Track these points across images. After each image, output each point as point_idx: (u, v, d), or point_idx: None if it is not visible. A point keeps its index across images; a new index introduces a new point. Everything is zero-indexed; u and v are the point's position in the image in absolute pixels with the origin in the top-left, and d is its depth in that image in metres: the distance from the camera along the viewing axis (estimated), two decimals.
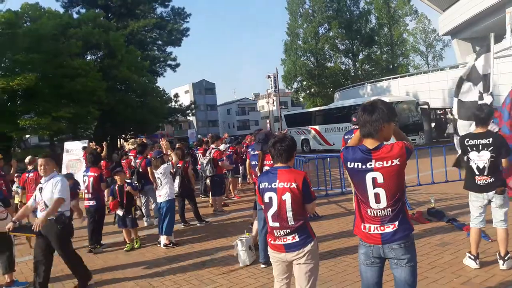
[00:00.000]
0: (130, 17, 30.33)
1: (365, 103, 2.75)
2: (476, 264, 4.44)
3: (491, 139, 4.26)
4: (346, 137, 7.42)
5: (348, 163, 2.71)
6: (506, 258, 4.33)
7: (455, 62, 33.16)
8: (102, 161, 9.66)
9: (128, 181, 7.16)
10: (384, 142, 2.65)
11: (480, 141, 4.28)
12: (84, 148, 11.08)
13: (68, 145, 13.20)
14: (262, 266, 5.10)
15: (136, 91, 25.13)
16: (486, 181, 4.31)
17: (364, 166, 2.63)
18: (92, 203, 6.75)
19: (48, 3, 59.89)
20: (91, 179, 6.80)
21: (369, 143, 2.65)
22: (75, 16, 26.21)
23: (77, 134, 21.70)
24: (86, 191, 6.86)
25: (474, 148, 4.30)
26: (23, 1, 20.48)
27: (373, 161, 2.59)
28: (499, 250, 4.43)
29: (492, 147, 4.22)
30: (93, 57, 24.22)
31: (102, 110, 20.42)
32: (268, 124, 45.57)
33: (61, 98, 19.11)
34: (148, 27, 31.62)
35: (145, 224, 8.15)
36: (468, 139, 4.38)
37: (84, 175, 7.02)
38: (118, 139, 28.27)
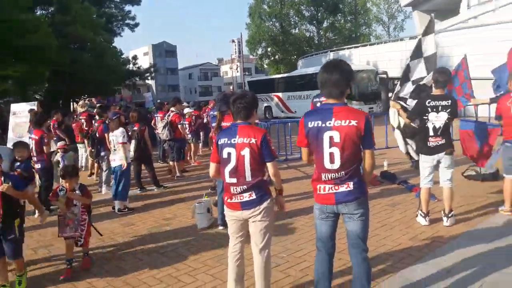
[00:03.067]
0: None
1: (327, 62, 2.84)
2: (426, 221, 4.74)
3: (450, 102, 4.51)
4: (315, 100, 7.41)
5: (309, 123, 2.77)
6: (450, 215, 4.66)
7: (415, 33, 33.84)
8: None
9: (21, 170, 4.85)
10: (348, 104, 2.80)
11: (440, 103, 4.50)
12: (31, 110, 10.48)
13: (14, 107, 12.46)
14: (221, 228, 5.11)
15: (91, 51, 23.85)
16: (438, 142, 4.54)
17: (324, 125, 2.69)
18: (38, 165, 6.47)
19: None
20: (33, 142, 6.50)
21: (332, 101, 2.77)
22: None
23: (26, 96, 20.44)
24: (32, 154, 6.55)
25: (434, 109, 4.50)
26: None
27: (333, 119, 2.67)
28: (444, 208, 4.73)
29: (449, 109, 4.47)
30: (43, 12, 22.59)
31: (54, 70, 19.28)
32: (231, 91, 45.15)
33: (6, 56, 17.77)
34: None
35: (103, 192, 7.86)
36: (429, 100, 4.56)
37: (29, 137, 6.72)
38: (72, 103, 27.01)
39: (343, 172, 2.69)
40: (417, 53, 6.01)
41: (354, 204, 2.72)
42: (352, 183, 2.71)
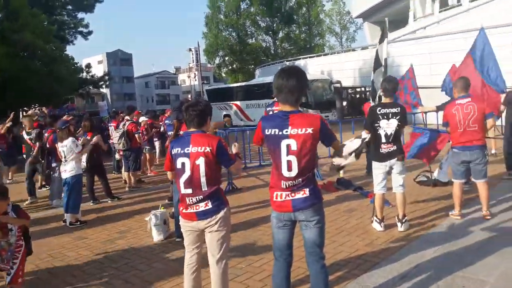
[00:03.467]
0: None
1: (283, 68, 2.81)
2: (381, 227, 4.84)
3: (399, 109, 4.67)
4: (268, 109, 7.46)
5: (266, 130, 2.74)
6: (403, 220, 4.79)
7: (366, 44, 35.21)
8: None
9: None
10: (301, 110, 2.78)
11: (390, 110, 4.65)
12: None
13: None
14: (178, 240, 4.95)
15: (41, 59, 22.79)
16: (390, 149, 4.67)
17: (280, 133, 2.68)
18: None
19: None
20: None
21: (287, 108, 2.74)
22: None
23: None
24: None
25: (385, 117, 4.64)
26: None
27: (290, 127, 2.66)
28: (398, 214, 4.85)
29: (399, 116, 4.62)
30: None
31: (2, 78, 18.22)
32: (189, 99, 44.75)
33: None
34: None
35: (54, 204, 7.49)
36: (380, 108, 4.72)
37: None
38: (21, 112, 25.65)
39: (300, 179, 2.69)
40: (377, 63, 6.22)
41: (310, 211, 2.72)
42: (308, 189, 2.71)
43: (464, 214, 5.10)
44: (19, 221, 3.67)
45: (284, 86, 2.69)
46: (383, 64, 6.32)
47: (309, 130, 2.64)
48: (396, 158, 4.68)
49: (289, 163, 2.67)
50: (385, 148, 4.68)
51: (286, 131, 2.66)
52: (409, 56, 18.51)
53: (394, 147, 4.66)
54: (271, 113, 6.59)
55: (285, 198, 2.74)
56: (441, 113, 6.04)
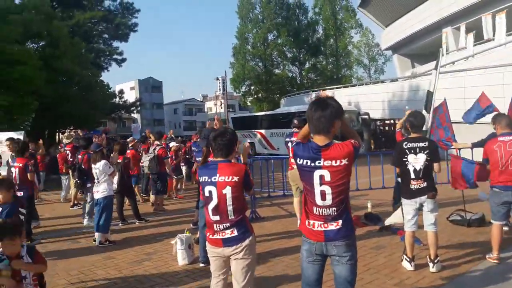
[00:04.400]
0: (77, 7, 28.91)
1: (316, 99, 2.77)
2: (411, 266, 4.60)
3: (426, 143, 4.52)
4: (286, 140, 7.41)
5: (298, 159, 2.70)
6: (435, 261, 4.52)
7: (395, 76, 34.98)
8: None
9: None
10: (334, 141, 2.65)
11: (417, 144, 4.49)
12: (9, 139, 10.41)
13: (1, 135, 12.54)
14: (201, 265, 5.03)
15: (79, 84, 23.97)
16: (420, 185, 4.48)
17: (313, 164, 2.62)
18: (19, 193, 6.35)
19: None
20: (17, 169, 6.59)
21: (319, 140, 2.64)
22: (17, 1, 24.45)
23: (13, 125, 20.20)
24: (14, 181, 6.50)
25: (412, 151, 4.49)
26: None
27: (322, 160, 2.60)
28: (429, 253, 4.62)
29: (427, 150, 4.45)
30: (34, 45, 22.76)
31: (42, 102, 19.21)
32: (215, 126, 45.47)
33: None
34: (94, 20, 30.36)
35: (85, 224, 7.77)
36: (406, 142, 4.58)
37: (11, 166, 6.80)
38: (57, 133, 26.78)
39: (334, 209, 2.63)
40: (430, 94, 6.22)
41: (343, 247, 2.65)
42: (341, 221, 2.64)
43: (503, 258, 4.75)
44: (36, 267, 3.05)
45: (312, 116, 2.65)
46: (428, 94, 6.29)
47: (344, 161, 2.57)
48: (426, 196, 4.49)
49: (322, 192, 2.62)
50: (414, 184, 4.49)
51: (319, 163, 2.60)
52: (442, 89, 18.18)
53: (425, 184, 4.47)
54: (289, 144, 6.50)
55: (317, 228, 2.68)
56: (476, 149, 5.75)
